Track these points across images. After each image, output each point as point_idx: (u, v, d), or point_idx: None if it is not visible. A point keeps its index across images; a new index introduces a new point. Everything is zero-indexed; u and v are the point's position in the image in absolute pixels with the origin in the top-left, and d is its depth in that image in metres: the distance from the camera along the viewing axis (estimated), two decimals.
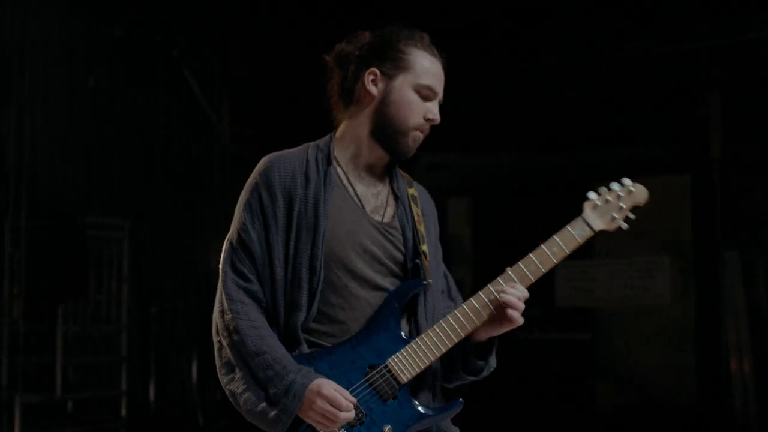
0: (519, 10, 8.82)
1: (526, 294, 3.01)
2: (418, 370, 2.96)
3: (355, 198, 3.08)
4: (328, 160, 3.08)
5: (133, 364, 9.33)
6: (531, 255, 3.04)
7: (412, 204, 3.15)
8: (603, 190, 3.12)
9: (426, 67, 3.09)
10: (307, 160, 3.07)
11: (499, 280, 3.02)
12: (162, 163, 9.62)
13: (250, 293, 2.98)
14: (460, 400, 3.03)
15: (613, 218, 3.10)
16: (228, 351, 2.96)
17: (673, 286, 10.39)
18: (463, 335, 2.99)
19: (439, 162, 10.78)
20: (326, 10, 8.71)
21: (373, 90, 3.08)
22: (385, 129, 3.07)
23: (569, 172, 10.73)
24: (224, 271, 3.02)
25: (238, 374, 2.93)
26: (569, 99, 9.52)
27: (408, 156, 3.13)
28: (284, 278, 2.97)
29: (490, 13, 8.84)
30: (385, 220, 3.10)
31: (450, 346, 2.98)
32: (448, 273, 3.28)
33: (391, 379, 2.95)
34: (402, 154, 3.11)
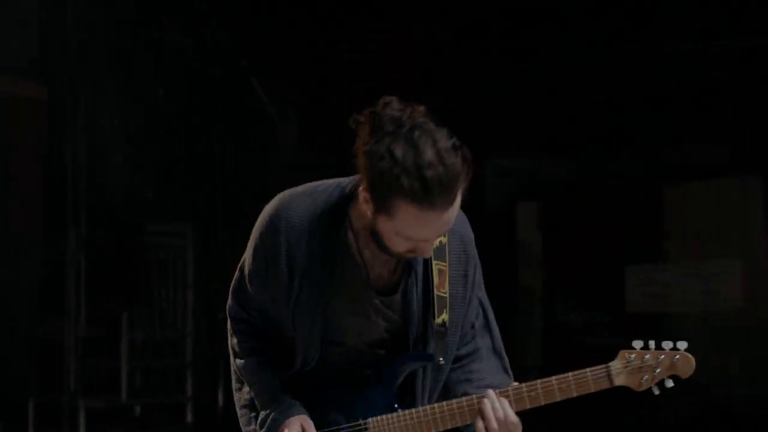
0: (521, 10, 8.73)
1: (510, 416, 2.85)
2: None
3: (362, 266, 2.88)
4: (340, 224, 2.86)
5: (199, 370, 9.37)
6: (538, 382, 2.87)
7: (434, 263, 2.91)
8: (651, 345, 2.91)
9: (412, 222, 2.68)
10: (319, 220, 2.86)
11: (495, 392, 2.87)
12: (226, 170, 9.65)
13: (250, 323, 3.07)
14: None
15: (643, 380, 2.89)
16: (235, 367, 3.11)
17: (744, 290, 10.22)
18: (442, 429, 2.91)
19: (507, 167, 10.70)
20: (383, 18, 8.68)
21: (365, 208, 2.75)
22: (378, 240, 2.79)
23: (640, 173, 10.58)
24: (230, 299, 3.11)
25: (242, 389, 3.11)
26: (632, 97, 9.43)
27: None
28: (286, 332, 2.98)
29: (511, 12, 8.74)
30: (389, 293, 2.92)
31: None
32: (486, 304, 3.07)
33: None
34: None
